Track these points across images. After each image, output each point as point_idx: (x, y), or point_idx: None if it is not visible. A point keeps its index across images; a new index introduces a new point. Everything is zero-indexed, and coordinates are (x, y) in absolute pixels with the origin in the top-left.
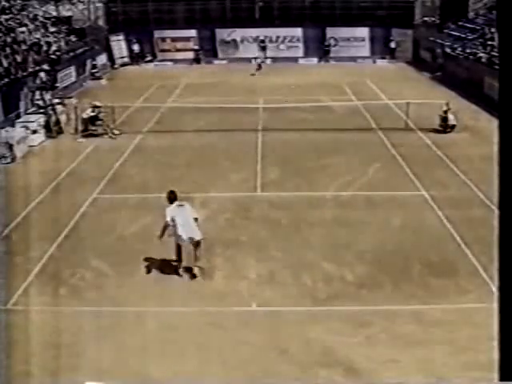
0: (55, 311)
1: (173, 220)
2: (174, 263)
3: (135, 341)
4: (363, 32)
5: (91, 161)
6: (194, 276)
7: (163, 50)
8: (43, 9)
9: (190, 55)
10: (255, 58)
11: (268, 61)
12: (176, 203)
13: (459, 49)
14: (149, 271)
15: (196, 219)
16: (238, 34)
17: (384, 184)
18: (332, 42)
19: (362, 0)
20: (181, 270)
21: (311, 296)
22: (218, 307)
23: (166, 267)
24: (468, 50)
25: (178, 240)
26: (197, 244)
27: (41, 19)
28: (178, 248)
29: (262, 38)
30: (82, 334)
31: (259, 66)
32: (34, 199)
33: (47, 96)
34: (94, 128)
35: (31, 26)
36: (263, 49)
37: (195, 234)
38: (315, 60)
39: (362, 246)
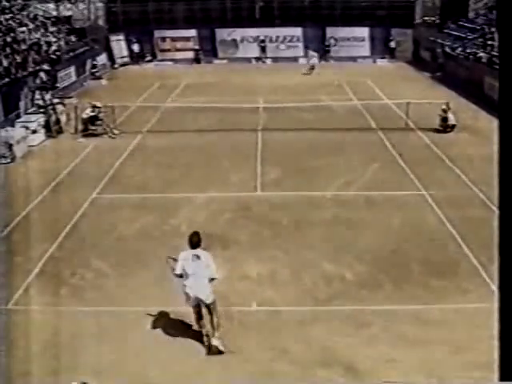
0: (55, 311)
1: (182, 274)
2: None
3: (135, 341)
4: (363, 32)
5: (91, 161)
6: (210, 349)
7: (163, 50)
8: (43, 8)
9: (190, 55)
10: (307, 58)
11: (268, 61)
12: (192, 253)
13: (459, 49)
14: (149, 271)
15: (212, 279)
16: (238, 33)
17: (384, 184)
18: (332, 41)
19: (362, 0)
20: (206, 339)
21: (311, 296)
22: (218, 307)
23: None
24: (468, 50)
25: (186, 300)
26: (208, 308)
27: (41, 19)
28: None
29: (262, 37)
30: (81, 334)
31: (312, 67)
32: (34, 199)
33: (47, 96)
34: (93, 128)
35: (31, 26)
36: (263, 49)
37: (204, 294)
38: (315, 60)
39: (362, 245)
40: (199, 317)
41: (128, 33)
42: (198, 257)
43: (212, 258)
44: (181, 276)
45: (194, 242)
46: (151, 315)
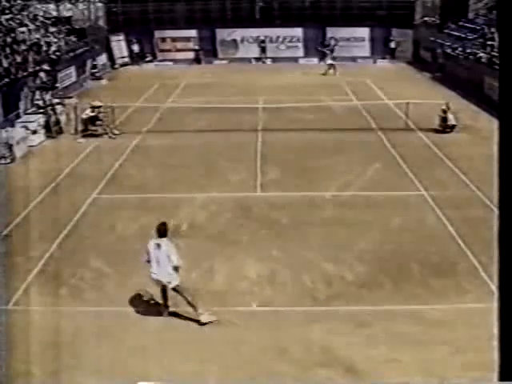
0: (55, 311)
1: (148, 260)
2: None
3: (135, 341)
4: (363, 32)
5: (91, 161)
6: (162, 313)
7: (163, 50)
8: (43, 9)
9: (191, 55)
10: (323, 59)
11: (268, 61)
12: (155, 242)
13: (459, 49)
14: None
15: (176, 268)
16: (238, 34)
17: (384, 184)
18: (332, 42)
19: (362, 0)
20: (165, 315)
21: (311, 296)
22: (218, 307)
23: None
24: (468, 50)
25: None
26: (175, 291)
27: (41, 19)
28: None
29: (262, 38)
30: (81, 334)
31: (330, 67)
32: (33, 199)
33: (47, 96)
34: (93, 128)
35: (31, 26)
36: (263, 49)
37: (166, 279)
38: (315, 60)
39: (362, 245)
40: (164, 295)
41: (128, 33)
42: (158, 246)
43: (174, 248)
44: (148, 261)
45: (161, 231)
46: (151, 315)
